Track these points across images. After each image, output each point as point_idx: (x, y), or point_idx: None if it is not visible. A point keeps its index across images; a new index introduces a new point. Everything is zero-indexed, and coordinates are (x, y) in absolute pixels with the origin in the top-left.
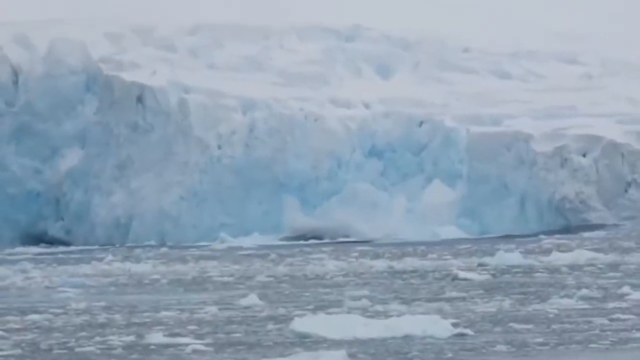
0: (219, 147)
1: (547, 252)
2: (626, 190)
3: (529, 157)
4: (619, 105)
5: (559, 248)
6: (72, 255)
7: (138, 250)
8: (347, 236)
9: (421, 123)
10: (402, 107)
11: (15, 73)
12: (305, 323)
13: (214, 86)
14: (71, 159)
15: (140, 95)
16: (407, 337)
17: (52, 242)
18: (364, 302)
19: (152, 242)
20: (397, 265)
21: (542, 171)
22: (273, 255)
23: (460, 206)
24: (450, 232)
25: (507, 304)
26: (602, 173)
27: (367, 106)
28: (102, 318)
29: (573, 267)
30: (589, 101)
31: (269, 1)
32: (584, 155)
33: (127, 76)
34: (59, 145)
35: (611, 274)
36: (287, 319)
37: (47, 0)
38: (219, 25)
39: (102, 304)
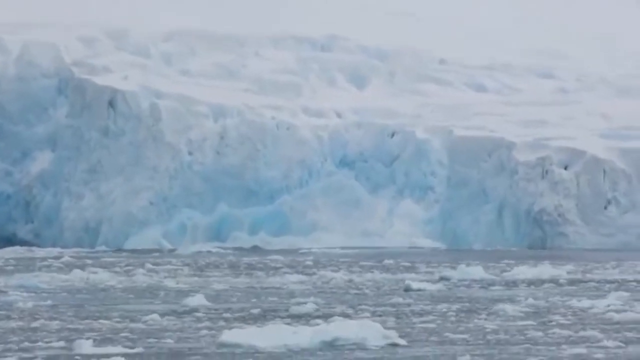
0: (190, 153)
1: (511, 266)
2: (605, 207)
3: (510, 165)
4: (593, 121)
5: (525, 262)
6: (37, 258)
7: (101, 255)
8: (315, 244)
9: (393, 134)
10: (375, 118)
11: None
12: (235, 334)
13: (186, 92)
14: (42, 161)
15: (111, 100)
16: (334, 345)
17: (21, 244)
18: (308, 310)
19: (120, 247)
20: (357, 277)
21: (522, 181)
22: (234, 263)
23: (433, 216)
24: (422, 241)
25: (451, 315)
26: (583, 188)
27: (339, 116)
28: (37, 323)
29: (532, 283)
30: (563, 116)
31: (245, 9)
32: (566, 168)
33: (99, 80)
34: (29, 148)
35: (568, 289)
36: (225, 329)
37: (20, 3)
38: (193, 32)
39: (46, 309)
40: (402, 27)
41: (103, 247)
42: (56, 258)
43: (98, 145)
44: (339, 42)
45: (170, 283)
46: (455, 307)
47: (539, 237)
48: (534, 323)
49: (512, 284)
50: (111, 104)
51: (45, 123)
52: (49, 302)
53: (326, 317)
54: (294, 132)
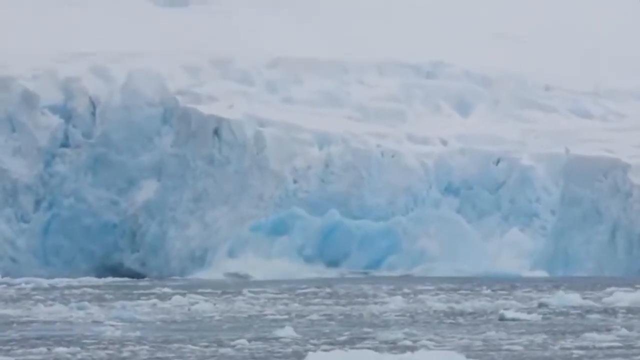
0: (295, 181)
1: (609, 293)
2: None
3: (625, 187)
4: None
5: (628, 288)
6: (140, 287)
7: (204, 283)
8: (424, 272)
9: (498, 161)
10: (480, 145)
11: (93, 104)
12: (319, 356)
13: (290, 120)
14: (147, 191)
15: (216, 128)
16: None
17: (127, 274)
18: (397, 338)
19: (223, 274)
20: (455, 305)
21: (636, 203)
22: (334, 290)
23: (539, 242)
24: (528, 268)
25: (537, 343)
26: None
27: (444, 143)
28: (126, 351)
29: (630, 310)
30: None
31: (349, 36)
32: None
33: (204, 109)
34: (135, 177)
35: None
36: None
37: (125, 32)
38: (297, 59)
39: (135, 338)
40: (506, 51)
41: (207, 276)
42: (159, 287)
43: (203, 174)
44: (444, 69)
45: (267, 311)
46: (543, 336)
47: None
48: (621, 351)
49: (611, 311)
50: (216, 132)
51: (151, 152)
52: (137, 333)
53: (415, 342)
54: (399, 159)
